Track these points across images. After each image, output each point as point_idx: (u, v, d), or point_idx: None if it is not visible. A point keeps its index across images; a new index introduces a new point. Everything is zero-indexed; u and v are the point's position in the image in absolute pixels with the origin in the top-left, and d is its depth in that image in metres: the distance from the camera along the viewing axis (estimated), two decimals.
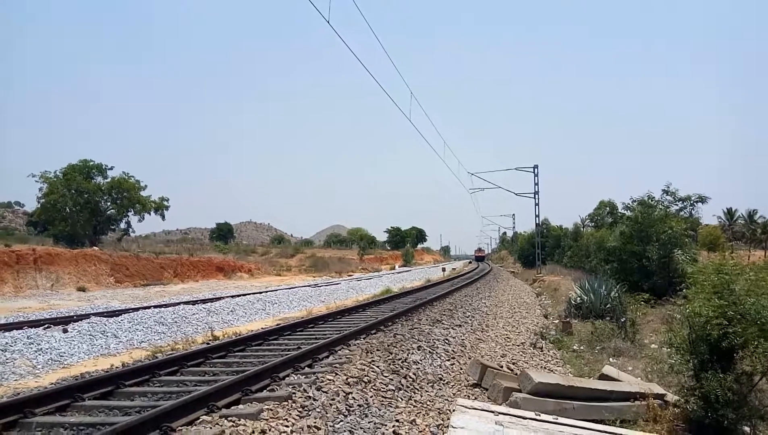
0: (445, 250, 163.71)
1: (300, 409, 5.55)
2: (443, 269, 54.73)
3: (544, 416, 5.54)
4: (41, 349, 10.91)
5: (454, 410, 5.49)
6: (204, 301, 20.54)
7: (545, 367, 9.92)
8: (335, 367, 7.34)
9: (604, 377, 7.93)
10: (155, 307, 18.02)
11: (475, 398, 7.07)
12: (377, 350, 8.48)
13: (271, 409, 5.42)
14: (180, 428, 4.93)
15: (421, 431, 5.63)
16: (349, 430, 5.29)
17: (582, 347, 11.93)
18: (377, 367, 7.48)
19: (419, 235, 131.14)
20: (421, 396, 6.88)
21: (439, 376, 8.00)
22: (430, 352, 9.21)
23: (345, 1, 11.85)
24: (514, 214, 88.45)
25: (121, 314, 15.82)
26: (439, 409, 6.42)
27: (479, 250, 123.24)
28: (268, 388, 6.38)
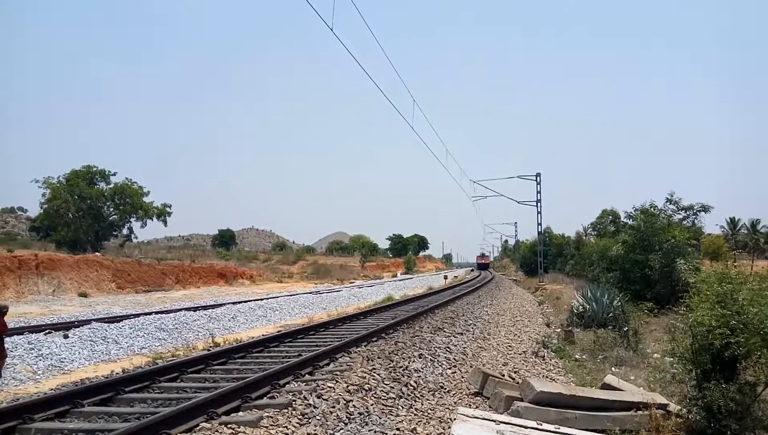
0: (447, 258, 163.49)
1: (300, 417, 5.52)
2: (445, 277, 54.66)
3: (545, 426, 5.52)
4: (42, 354, 10.90)
5: (455, 419, 5.47)
6: (205, 308, 20.52)
7: (547, 376, 9.87)
8: (336, 374, 7.31)
9: (607, 387, 7.88)
10: (156, 313, 18.00)
11: (477, 407, 7.03)
12: (378, 358, 8.44)
13: (271, 417, 5.40)
14: None
15: None
16: None
17: (584, 356, 11.87)
18: (378, 374, 7.44)
19: (421, 243, 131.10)
20: (422, 404, 6.84)
21: (440, 384, 7.95)
22: (431, 360, 9.16)
23: (347, 6, 11.89)
24: (516, 223, 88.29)
25: (122, 320, 15.80)
26: (440, 417, 6.38)
27: (482, 256, 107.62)
28: (268, 395, 6.36)
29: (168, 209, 49.94)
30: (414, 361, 8.72)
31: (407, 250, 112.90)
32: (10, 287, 27.40)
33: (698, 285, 7.28)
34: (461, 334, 12.56)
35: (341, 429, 5.44)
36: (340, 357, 8.68)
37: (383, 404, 6.44)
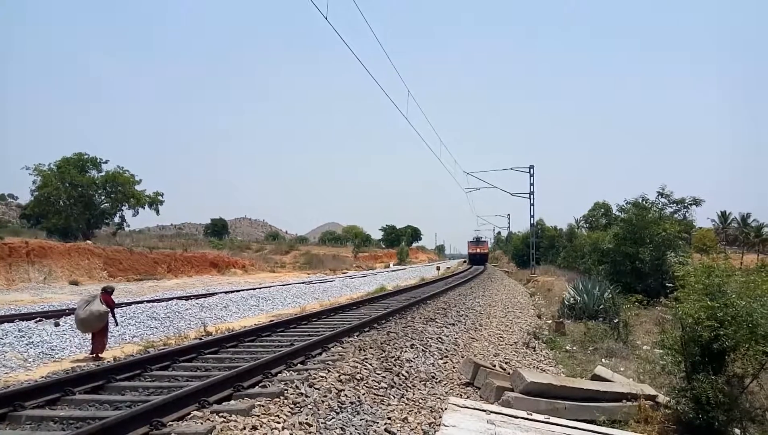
0: (440, 249, 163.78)
1: (292, 406, 5.53)
2: (437, 268, 54.85)
3: (535, 416, 5.56)
4: (32, 342, 10.85)
5: (446, 409, 5.50)
6: (197, 297, 20.49)
7: (538, 367, 9.94)
8: (328, 364, 7.32)
9: (596, 378, 7.95)
10: (148, 302, 17.95)
11: (468, 397, 7.08)
12: (370, 348, 8.46)
13: (263, 405, 5.40)
14: (170, 423, 4.91)
15: (413, 429, 5.62)
16: (341, 427, 5.28)
17: (575, 347, 11.96)
18: (370, 364, 7.47)
19: (414, 234, 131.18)
20: (414, 394, 6.87)
21: (432, 374, 8.00)
22: (423, 350, 9.21)
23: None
24: (509, 214, 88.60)
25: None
26: (431, 407, 6.42)
27: (476, 241, 75.07)
28: (260, 385, 6.36)
29: (160, 198, 49.61)
30: (406, 351, 8.75)
31: (400, 241, 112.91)
32: (0, 275, 27.20)
33: (686, 277, 7.33)
34: (453, 324, 12.61)
35: (333, 418, 5.46)
36: (332, 347, 8.69)
37: (375, 394, 6.46)
